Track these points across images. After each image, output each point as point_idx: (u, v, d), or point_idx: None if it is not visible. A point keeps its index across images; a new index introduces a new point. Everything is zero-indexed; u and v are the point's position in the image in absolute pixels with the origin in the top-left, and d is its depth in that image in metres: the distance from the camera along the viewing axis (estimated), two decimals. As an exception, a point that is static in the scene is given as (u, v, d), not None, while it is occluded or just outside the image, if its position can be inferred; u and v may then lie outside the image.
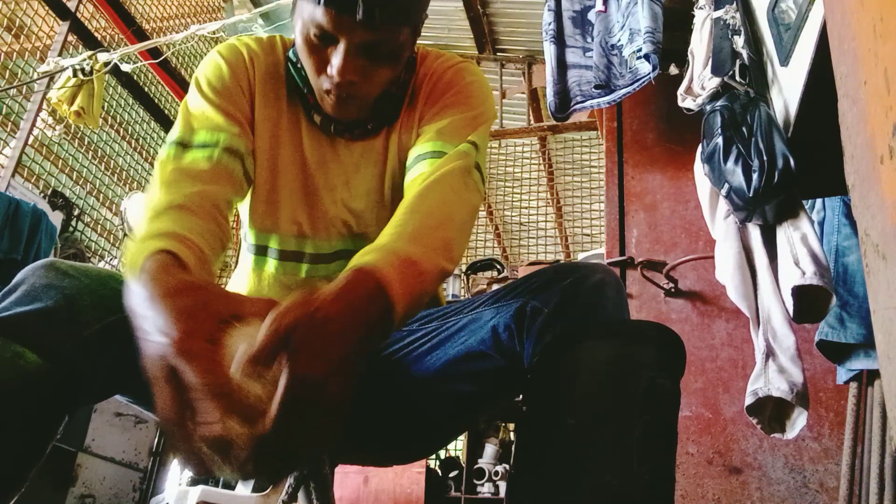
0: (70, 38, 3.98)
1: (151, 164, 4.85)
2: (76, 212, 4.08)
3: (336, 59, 0.88)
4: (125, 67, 3.78)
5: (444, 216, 0.83)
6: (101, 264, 4.29)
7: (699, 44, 1.97)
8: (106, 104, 4.08)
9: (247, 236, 1.06)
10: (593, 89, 2.32)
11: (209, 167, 0.89)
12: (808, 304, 1.55)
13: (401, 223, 0.80)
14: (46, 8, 3.94)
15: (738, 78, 1.80)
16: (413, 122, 1.03)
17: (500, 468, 4.24)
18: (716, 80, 1.84)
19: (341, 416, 0.62)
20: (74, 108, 3.42)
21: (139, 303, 0.65)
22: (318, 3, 0.84)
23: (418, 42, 1.04)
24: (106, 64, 3.58)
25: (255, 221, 1.04)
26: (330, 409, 0.60)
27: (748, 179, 1.60)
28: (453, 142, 0.95)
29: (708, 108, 1.84)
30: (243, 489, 3.48)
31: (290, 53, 1.02)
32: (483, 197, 0.96)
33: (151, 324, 0.62)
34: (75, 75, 3.47)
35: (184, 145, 0.91)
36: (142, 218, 0.81)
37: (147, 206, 0.83)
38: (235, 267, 1.11)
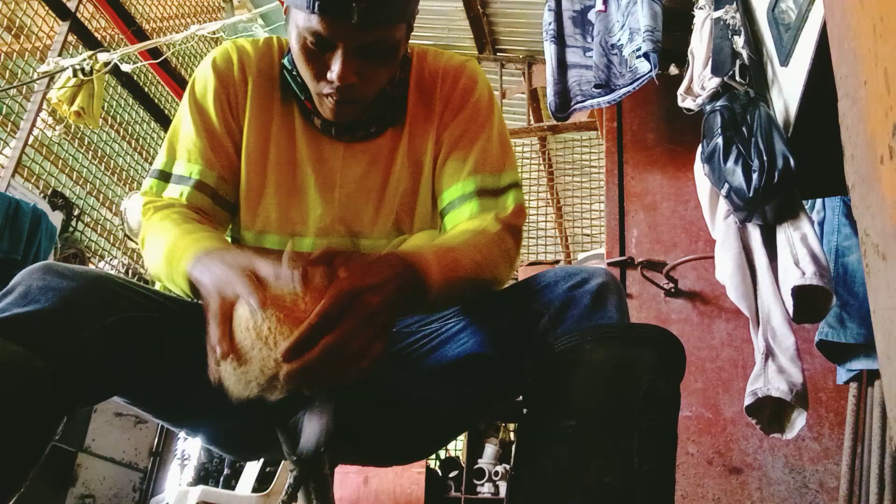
0: (70, 38, 3.98)
1: (151, 165, 4.85)
2: (76, 212, 4.07)
3: (335, 63, 0.88)
4: (125, 67, 3.77)
5: (489, 266, 0.90)
6: (102, 264, 4.28)
7: (699, 44, 1.97)
8: (106, 104, 4.07)
9: (242, 237, 1.06)
10: (593, 89, 2.32)
11: (183, 204, 0.98)
12: (808, 304, 1.55)
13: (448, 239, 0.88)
14: (46, 8, 3.94)
15: (738, 78, 1.80)
16: (430, 126, 1.03)
17: (500, 468, 4.24)
18: (716, 80, 1.84)
19: (385, 331, 0.70)
20: (74, 108, 3.42)
21: (211, 263, 0.77)
22: (313, 10, 0.84)
23: (415, 41, 1.04)
24: (106, 64, 3.58)
25: (248, 222, 1.04)
26: (372, 320, 0.68)
27: (748, 179, 1.60)
28: (494, 175, 1.00)
29: (708, 108, 1.84)
30: (244, 488, 3.48)
31: (286, 61, 1.02)
32: (521, 240, 1.03)
33: (228, 266, 0.74)
34: (75, 75, 3.47)
35: (164, 178, 1.00)
36: (158, 235, 0.91)
37: (157, 229, 0.92)
38: None
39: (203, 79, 1.02)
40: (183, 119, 1.02)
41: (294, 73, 1.00)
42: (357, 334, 0.67)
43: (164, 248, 0.88)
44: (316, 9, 0.84)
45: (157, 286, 0.94)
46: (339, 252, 0.73)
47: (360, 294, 0.68)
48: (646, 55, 2.15)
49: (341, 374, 0.68)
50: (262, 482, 3.50)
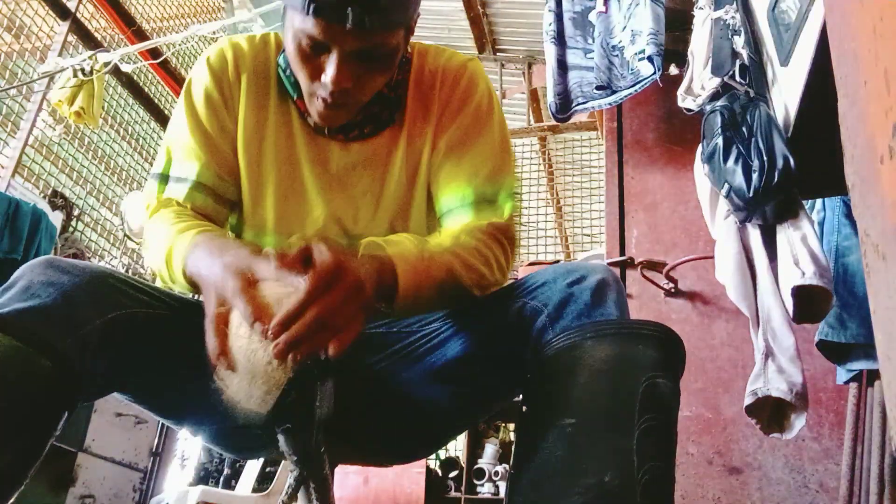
0: (70, 38, 3.98)
1: (151, 165, 4.86)
2: (76, 212, 4.07)
3: (330, 67, 0.87)
4: (125, 67, 3.78)
5: (467, 273, 0.89)
6: (101, 264, 4.28)
7: (699, 44, 1.96)
8: (106, 104, 4.07)
9: (242, 236, 1.05)
10: (595, 90, 2.32)
11: (183, 203, 0.98)
12: (808, 304, 1.55)
13: (434, 240, 0.89)
14: (46, 8, 3.94)
15: (738, 78, 1.80)
16: (428, 127, 1.02)
17: (500, 468, 4.24)
18: (716, 80, 1.83)
19: (363, 309, 0.73)
20: (74, 108, 3.42)
21: (205, 257, 0.80)
22: (308, 13, 0.83)
23: (414, 41, 1.03)
24: (106, 64, 3.58)
25: (246, 221, 1.03)
26: (354, 295, 0.71)
27: (748, 179, 1.60)
28: (493, 183, 0.99)
29: (708, 108, 1.84)
30: (244, 488, 3.48)
31: (280, 59, 1.01)
32: (515, 245, 1.01)
33: (223, 268, 0.75)
34: (75, 75, 3.47)
35: (164, 179, 1.00)
36: (156, 237, 0.91)
37: (154, 230, 0.93)
38: None
39: (197, 79, 1.02)
40: (178, 121, 1.01)
41: (288, 72, 0.99)
42: (341, 307, 0.70)
43: (162, 244, 0.89)
44: (311, 11, 0.82)
45: (159, 283, 0.94)
46: (321, 240, 0.75)
47: (342, 270, 0.71)
48: (649, 58, 2.15)
49: (324, 344, 0.71)
50: (262, 482, 3.50)
